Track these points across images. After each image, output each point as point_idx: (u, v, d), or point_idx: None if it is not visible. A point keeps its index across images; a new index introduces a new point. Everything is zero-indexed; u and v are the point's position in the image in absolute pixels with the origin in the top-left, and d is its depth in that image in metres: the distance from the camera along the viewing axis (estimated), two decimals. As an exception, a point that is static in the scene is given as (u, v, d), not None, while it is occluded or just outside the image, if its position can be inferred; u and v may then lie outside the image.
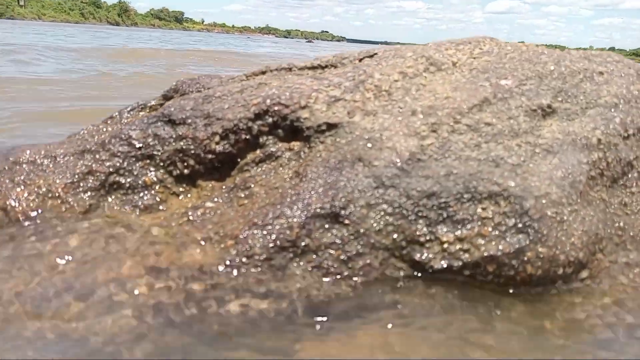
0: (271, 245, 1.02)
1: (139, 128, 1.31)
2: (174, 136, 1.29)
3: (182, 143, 1.28)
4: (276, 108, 1.24)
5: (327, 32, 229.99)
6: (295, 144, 1.25)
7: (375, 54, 1.50)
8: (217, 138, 1.25)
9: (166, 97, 1.55)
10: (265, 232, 1.03)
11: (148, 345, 0.87)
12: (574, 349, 0.99)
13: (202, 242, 1.08)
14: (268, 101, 1.25)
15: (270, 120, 1.25)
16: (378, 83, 1.26)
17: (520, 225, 1.07)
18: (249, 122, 1.25)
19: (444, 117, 1.18)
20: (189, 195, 1.30)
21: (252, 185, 1.22)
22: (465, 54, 1.41)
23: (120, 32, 30.22)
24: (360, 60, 1.49)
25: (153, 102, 1.56)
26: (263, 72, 1.50)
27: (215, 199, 1.23)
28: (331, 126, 1.21)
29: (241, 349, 0.88)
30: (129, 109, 1.55)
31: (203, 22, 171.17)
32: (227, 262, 1.00)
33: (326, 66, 1.52)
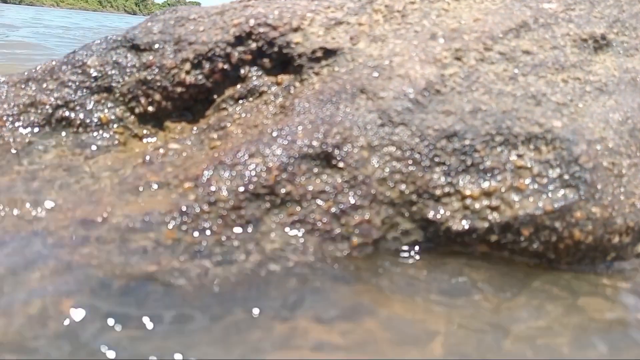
0: (241, 190, 0.77)
1: (95, 54, 1.07)
2: (137, 65, 1.04)
3: (146, 73, 1.03)
4: (262, 30, 0.99)
5: None
6: (284, 77, 1.00)
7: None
8: (187, 66, 1.01)
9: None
10: (234, 174, 0.78)
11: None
12: None
13: (155, 186, 0.83)
14: (252, 21, 1.00)
15: (253, 45, 1.00)
16: (390, 2, 1.01)
17: (567, 176, 0.81)
18: (228, 47, 1.00)
19: (471, 42, 0.92)
20: (153, 139, 1.05)
21: (229, 125, 0.97)
22: (497, -18, 1.14)
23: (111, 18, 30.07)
24: None
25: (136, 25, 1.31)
26: (253, 1, 1.25)
27: (182, 141, 0.98)
28: (329, 52, 0.96)
29: (191, 344, 0.63)
30: (104, 37, 1.30)
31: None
32: (183, 209, 0.75)
33: None
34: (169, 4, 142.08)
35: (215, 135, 0.96)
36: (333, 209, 0.78)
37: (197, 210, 0.75)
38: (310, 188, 0.79)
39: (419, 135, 0.82)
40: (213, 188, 0.76)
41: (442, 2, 1.06)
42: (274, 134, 0.83)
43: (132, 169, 0.91)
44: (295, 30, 0.98)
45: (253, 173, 0.78)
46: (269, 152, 0.80)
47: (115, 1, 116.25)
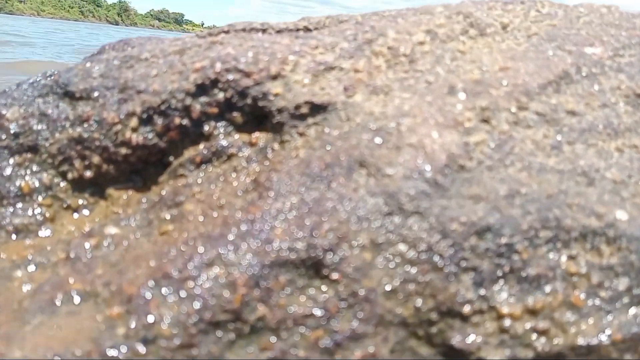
0: (193, 320, 0.53)
1: (17, 103, 0.83)
2: (71, 118, 0.81)
3: (82, 129, 0.79)
4: (231, 77, 0.76)
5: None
6: (260, 136, 0.77)
7: (388, 14, 1.03)
8: (134, 121, 0.77)
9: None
10: (183, 294, 0.55)
11: None
12: None
13: (78, 299, 0.59)
14: (218, 65, 0.77)
15: (220, 96, 0.77)
16: (394, 44, 0.79)
17: (638, 290, 0.60)
18: (187, 99, 0.77)
19: (501, 98, 0.70)
20: (92, 211, 0.81)
21: (186, 201, 0.73)
22: (518, 16, 0.94)
23: (109, 32, 29.19)
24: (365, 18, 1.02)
25: (72, 65, 1.07)
26: (225, 32, 1.02)
27: (124, 221, 0.74)
28: (317, 108, 0.74)
29: None
30: (30, 81, 1.06)
31: (203, 25, 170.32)
32: (107, 352, 0.52)
33: (316, 28, 1.05)
34: (151, 15, 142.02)
35: (167, 215, 0.72)
36: (324, 341, 0.56)
37: (127, 352, 0.51)
38: (292, 310, 0.56)
39: (439, 230, 0.60)
40: (152, 318, 0.53)
41: (456, 41, 0.85)
42: (243, 227, 0.60)
43: (53, 269, 0.67)
44: (275, 77, 0.76)
45: (211, 292, 0.55)
46: (234, 258, 0.57)
47: (97, 11, 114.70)
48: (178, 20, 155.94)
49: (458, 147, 0.65)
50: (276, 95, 0.75)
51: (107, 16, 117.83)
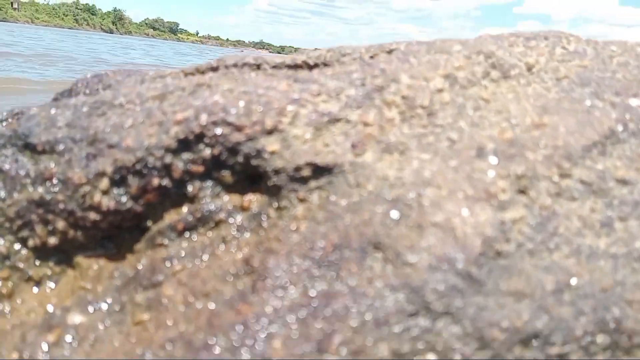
0: None
1: (-32, 157, 0.70)
2: (32, 174, 0.68)
3: (43, 189, 0.67)
4: (219, 131, 0.64)
5: (320, 49, 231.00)
6: (254, 199, 0.66)
7: (396, 49, 0.92)
8: (104, 183, 0.65)
9: (57, 102, 0.94)
10: None
11: None
12: None
13: None
14: (204, 117, 0.65)
15: (207, 152, 0.65)
16: (409, 93, 0.68)
17: None
18: (168, 156, 0.65)
19: (539, 163, 0.59)
20: (57, 283, 0.69)
21: (164, 280, 0.61)
22: (543, 54, 0.83)
23: (105, 41, 28.74)
24: (372, 57, 0.91)
25: (35, 111, 0.95)
26: (213, 69, 0.90)
27: (92, 305, 0.62)
28: (321, 170, 0.62)
29: None
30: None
31: (197, 34, 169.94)
32: None
33: (316, 65, 0.94)
34: (146, 24, 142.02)
35: (143, 299, 0.60)
36: None
37: None
38: None
39: (476, 338, 0.48)
40: None
41: (478, 86, 0.73)
42: (232, 335, 0.48)
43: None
44: (270, 132, 0.64)
45: None
46: (220, 379, 0.45)
47: (91, 19, 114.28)
48: (173, 29, 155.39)
49: (493, 228, 0.53)
50: (272, 153, 0.64)
51: (102, 24, 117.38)
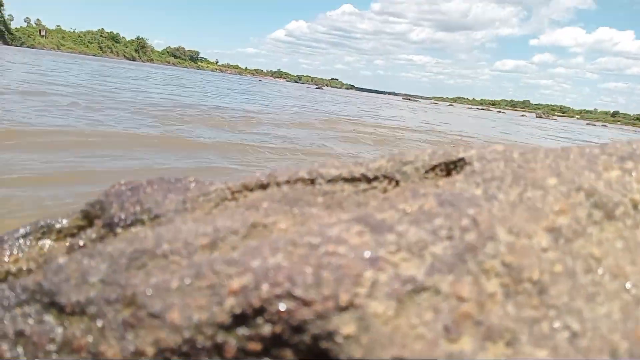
0: None
1: (-14, 315, 0.60)
2: (58, 340, 0.57)
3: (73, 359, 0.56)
4: (283, 306, 0.53)
5: (336, 79, 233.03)
6: (320, 385, 0.54)
7: (463, 160, 0.81)
8: (144, 366, 0.54)
9: (87, 215, 0.84)
10: None
11: None
12: None
13: None
14: (266, 288, 0.54)
15: (267, 329, 0.54)
16: (511, 259, 0.56)
17: None
18: (220, 333, 0.54)
19: (695, 379, 0.47)
20: None
21: None
22: (647, 184, 0.71)
23: (127, 71, 29.01)
24: (442, 171, 0.80)
25: (65, 223, 0.85)
26: (263, 186, 0.80)
27: None
28: (408, 366, 0.50)
29: None
30: (21, 232, 0.84)
31: (217, 62, 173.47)
32: None
33: (376, 177, 0.83)
34: (168, 52, 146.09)
35: None
36: None
37: None
38: None
39: None
40: None
41: (585, 237, 0.61)
42: None
43: None
44: (345, 308, 0.53)
45: None
46: None
47: (115, 47, 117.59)
48: (193, 58, 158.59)
49: None
50: (347, 337, 0.52)
51: (125, 52, 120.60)
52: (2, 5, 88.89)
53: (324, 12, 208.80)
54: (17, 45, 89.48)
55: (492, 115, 33.40)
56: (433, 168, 0.85)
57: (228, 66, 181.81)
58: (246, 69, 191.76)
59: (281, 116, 11.03)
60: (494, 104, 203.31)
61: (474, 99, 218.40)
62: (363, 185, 0.83)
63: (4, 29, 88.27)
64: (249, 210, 0.71)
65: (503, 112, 51.33)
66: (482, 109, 53.62)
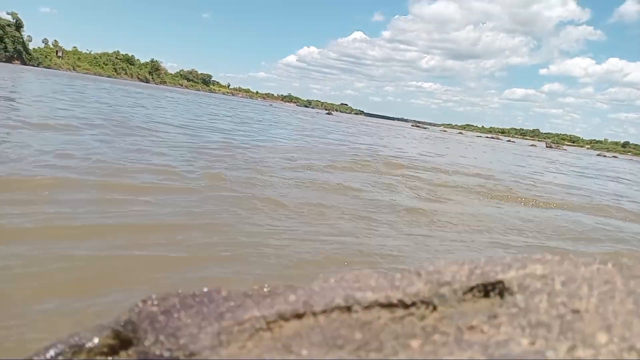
0: None
1: None
2: None
3: None
4: None
5: (346, 104, 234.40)
6: None
7: (501, 283, 0.80)
8: None
9: (118, 335, 0.83)
10: None
11: None
12: None
13: None
14: None
15: None
16: None
17: None
18: None
19: None
20: None
21: None
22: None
23: (140, 95, 28.74)
24: (480, 292, 0.79)
25: (97, 341, 0.83)
26: (299, 316, 0.78)
27: None
28: None
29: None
30: (52, 353, 0.83)
31: (229, 86, 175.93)
32: None
33: (413, 304, 0.81)
34: (181, 75, 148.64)
35: None
36: None
37: None
38: None
39: None
40: None
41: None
42: None
43: None
44: None
45: None
46: None
47: (130, 69, 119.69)
48: (206, 81, 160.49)
49: None
50: None
51: (139, 74, 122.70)
52: (22, 27, 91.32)
53: (335, 39, 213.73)
54: (34, 65, 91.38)
55: (502, 145, 33.10)
56: (471, 289, 0.83)
57: (239, 90, 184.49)
58: (257, 92, 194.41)
59: (313, 161, 9.34)
60: (503, 132, 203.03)
61: (483, 126, 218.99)
62: (400, 312, 0.81)
63: (22, 50, 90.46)
64: (284, 352, 0.69)
65: (512, 142, 51.14)
66: (492, 138, 53.61)
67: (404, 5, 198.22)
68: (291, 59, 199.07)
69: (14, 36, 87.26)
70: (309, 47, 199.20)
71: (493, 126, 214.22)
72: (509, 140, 50.39)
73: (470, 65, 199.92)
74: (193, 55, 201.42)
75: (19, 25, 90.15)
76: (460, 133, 56.25)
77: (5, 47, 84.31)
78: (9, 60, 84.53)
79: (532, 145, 47.81)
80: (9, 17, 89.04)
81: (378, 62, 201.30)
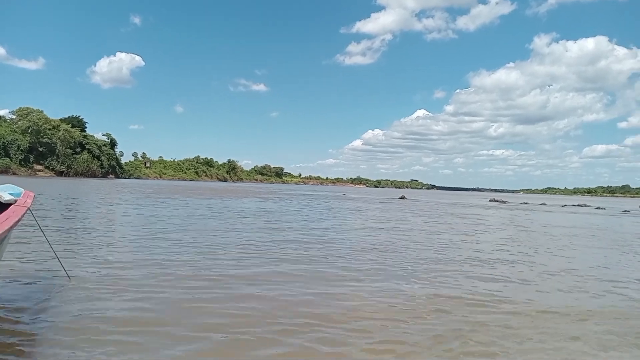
0: None
1: None
2: None
3: None
4: None
5: (416, 180, 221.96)
6: None
7: None
8: None
9: None
10: None
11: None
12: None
13: None
14: None
15: None
16: None
17: None
18: None
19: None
20: None
21: None
22: None
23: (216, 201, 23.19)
24: None
25: None
26: None
27: None
28: None
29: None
30: None
31: (300, 175, 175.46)
32: None
33: None
34: (255, 170, 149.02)
35: None
36: None
37: None
38: None
39: None
40: None
41: None
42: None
43: None
44: None
45: None
46: None
47: (209, 171, 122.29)
48: (279, 174, 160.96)
49: None
50: None
51: (217, 174, 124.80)
52: (116, 145, 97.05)
53: (398, 120, 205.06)
54: (125, 178, 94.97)
55: (595, 222, 21.69)
56: None
57: (310, 178, 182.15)
58: (327, 178, 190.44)
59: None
60: (589, 191, 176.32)
61: (565, 188, 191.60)
62: None
63: (115, 165, 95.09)
64: None
65: (602, 208, 38.29)
66: (579, 205, 40.76)
67: (463, 79, 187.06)
68: (357, 143, 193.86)
69: (109, 154, 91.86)
70: (373, 131, 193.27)
71: (577, 187, 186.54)
72: (598, 208, 37.82)
73: (541, 128, 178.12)
74: (265, 150, 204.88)
75: (112, 144, 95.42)
76: (544, 204, 43.71)
77: (102, 164, 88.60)
78: (105, 175, 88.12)
79: (624, 211, 34.59)
80: (105, 138, 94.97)
81: (444, 136, 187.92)
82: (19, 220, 3.64)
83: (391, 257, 7.82)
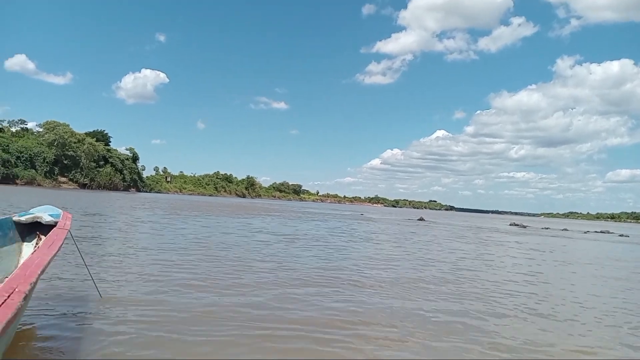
0: None
1: None
2: None
3: None
4: None
5: (434, 201, 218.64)
6: None
7: None
8: None
9: None
10: None
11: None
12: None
13: None
14: None
15: None
16: None
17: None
18: None
19: None
20: None
21: None
22: None
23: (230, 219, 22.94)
24: None
25: None
26: None
27: None
28: None
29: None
30: None
31: (318, 193, 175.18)
32: None
33: None
34: (274, 187, 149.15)
35: None
36: None
37: None
38: None
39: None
40: None
41: None
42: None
43: None
44: None
45: None
46: None
47: (228, 187, 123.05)
48: (296, 191, 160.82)
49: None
50: None
51: (236, 190, 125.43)
52: (138, 159, 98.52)
53: (417, 140, 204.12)
54: (147, 191, 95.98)
55: (620, 251, 20.76)
56: None
57: (327, 196, 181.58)
58: (345, 197, 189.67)
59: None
60: (613, 217, 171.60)
61: (588, 213, 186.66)
62: None
63: (137, 178, 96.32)
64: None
65: (626, 236, 37.03)
66: (602, 232, 39.46)
67: (484, 100, 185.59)
68: (375, 162, 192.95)
69: (131, 167, 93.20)
70: (392, 150, 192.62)
71: (600, 212, 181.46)
72: (621, 235, 36.77)
73: (564, 151, 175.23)
74: (284, 167, 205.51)
75: (135, 158, 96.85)
76: (565, 229, 42.43)
77: (124, 178, 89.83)
78: (127, 188, 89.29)
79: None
80: (127, 152, 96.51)
81: (464, 157, 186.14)
82: (62, 244, 3.52)
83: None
